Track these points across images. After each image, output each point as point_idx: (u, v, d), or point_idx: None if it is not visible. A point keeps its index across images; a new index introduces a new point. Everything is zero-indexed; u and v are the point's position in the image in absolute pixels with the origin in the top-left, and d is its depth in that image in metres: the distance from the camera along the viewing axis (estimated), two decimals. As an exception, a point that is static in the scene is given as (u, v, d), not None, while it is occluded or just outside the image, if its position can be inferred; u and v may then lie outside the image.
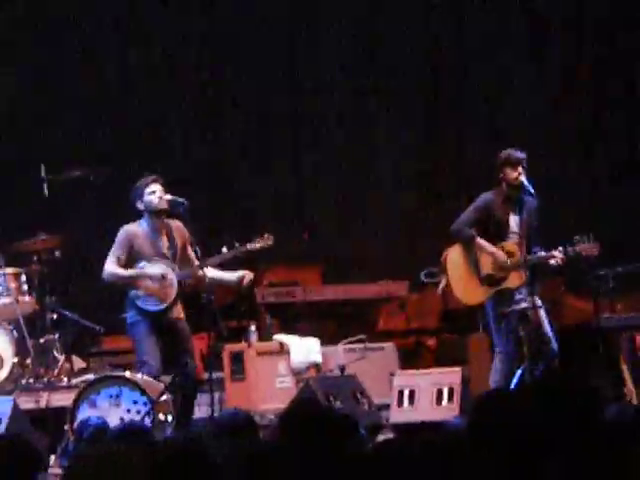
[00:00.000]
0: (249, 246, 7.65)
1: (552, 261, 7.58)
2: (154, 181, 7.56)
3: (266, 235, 7.74)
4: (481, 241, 7.65)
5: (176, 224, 7.65)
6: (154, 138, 10.78)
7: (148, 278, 7.51)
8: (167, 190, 7.58)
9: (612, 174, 10.86)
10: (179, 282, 7.55)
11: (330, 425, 4.11)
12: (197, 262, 7.55)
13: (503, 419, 3.18)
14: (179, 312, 7.63)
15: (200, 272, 7.46)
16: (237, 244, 7.60)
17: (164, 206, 7.54)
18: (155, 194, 7.53)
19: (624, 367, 7.99)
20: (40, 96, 10.49)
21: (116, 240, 7.59)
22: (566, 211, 10.15)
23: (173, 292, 7.53)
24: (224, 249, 7.57)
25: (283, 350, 8.74)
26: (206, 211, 10.35)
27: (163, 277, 7.50)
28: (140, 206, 7.57)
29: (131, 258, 7.55)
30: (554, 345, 7.58)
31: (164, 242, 7.61)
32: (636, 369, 7.95)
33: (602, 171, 11.02)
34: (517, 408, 3.22)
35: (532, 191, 7.62)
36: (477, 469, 3.08)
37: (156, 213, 7.54)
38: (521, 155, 7.68)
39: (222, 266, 7.70)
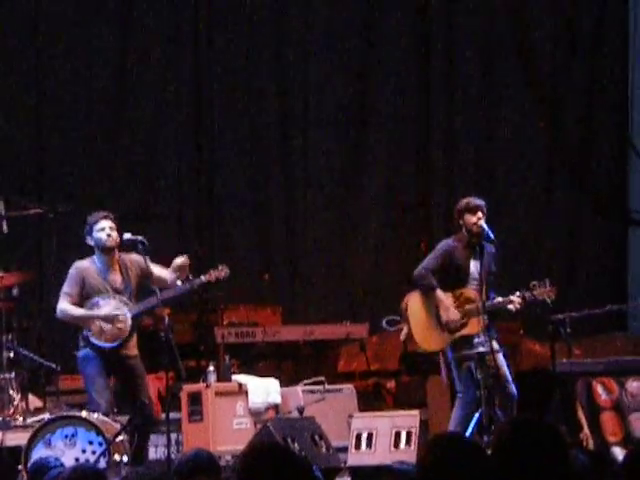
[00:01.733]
0: (203, 278, 7.64)
1: (510, 306, 7.66)
2: (104, 218, 7.55)
3: (220, 266, 7.73)
4: (440, 295, 7.72)
5: (131, 257, 7.63)
6: (115, 174, 10.76)
7: (100, 319, 7.48)
8: (121, 229, 7.56)
9: (575, 218, 11.02)
10: (133, 317, 7.50)
11: (287, 467, 4.10)
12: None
13: (450, 463, 3.19)
14: (133, 349, 7.59)
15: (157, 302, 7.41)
16: (191, 276, 7.57)
17: (112, 244, 7.52)
18: (104, 231, 7.51)
19: (580, 413, 8.03)
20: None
21: (68, 276, 7.57)
22: (524, 256, 10.26)
23: (126, 329, 7.50)
24: (178, 282, 7.54)
25: (241, 391, 8.69)
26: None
27: (115, 318, 7.46)
28: (90, 242, 7.56)
29: (84, 294, 7.52)
30: (512, 389, 7.63)
31: (117, 277, 7.58)
32: (592, 414, 7.99)
33: (562, 216, 11.16)
34: (465, 453, 3.23)
35: (492, 237, 7.69)
36: None
37: (105, 250, 7.53)
38: (480, 202, 7.78)
39: (177, 301, 7.65)
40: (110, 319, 7.45)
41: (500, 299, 7.70)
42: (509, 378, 7.64)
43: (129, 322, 7.49)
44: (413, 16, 11.20)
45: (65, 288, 7.53)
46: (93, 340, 7.47)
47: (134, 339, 7.58)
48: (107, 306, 7.49)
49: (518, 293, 7.65)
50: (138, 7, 10.77)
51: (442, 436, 3.43)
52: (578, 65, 11.25)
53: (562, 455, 3.25)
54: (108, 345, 7.47)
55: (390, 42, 11.14)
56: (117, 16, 10.73)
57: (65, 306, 7.49)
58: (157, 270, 7.59)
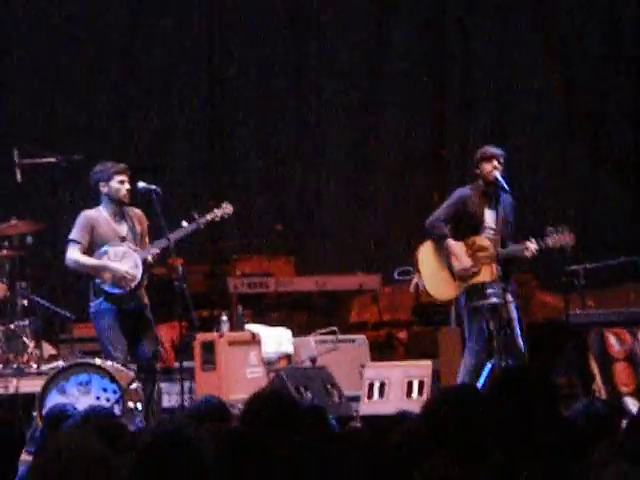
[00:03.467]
0: (209, 216, 7.62)
1: (526, 253, 7.60)
2: (124, 171, 7.52)
3: (224, 204, 7.72)
4: (451, 243, 7.69)
5: (135, 211, 7.63)
6: (127, 128, 10.74)
7: (110, 270, 7.48)
8: (136, 178, 7.55)
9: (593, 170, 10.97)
10: (143, 262, 7.51)
11: (298, 414, 4.12)
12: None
13: (454, 414, 3.21)
14: (144, 298, 7.59)
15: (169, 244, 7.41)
16: (196, 215, 7.56)
17: (126, 199, 7.51)
18: (124, 185, 7.49)
19: (593, 363, 8.04)
20: (13, 75, 10.45)
21: (76, 225, 7.51)
22: (538, 208, 10.22)
23: (138, 273, 7.49)
24: (184, 222, 7.54)
25: (254, 340, 8.73)
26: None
27: (126, 273, 7.45)
28: (104, 189, 7.51)
29: (93, 242, 7.50)
30: (520, 342, 7.60)
31: (124, 227, 7.57)
32: (605, 365, 8.00)
33: (582, 167, 11.11)
34: (470, 403, 3.25)
35: (506, 187, 7.65)
36: (433, 461, 3.12)
37: (118, 202, 7.51)
38: (497, 151, 7.72)
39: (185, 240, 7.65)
40: (119, 274, 7.45)
41: (515, 246, 7.66)
42: (518, 332, 7.63)
43: (140, 268, 7.49)
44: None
45: (73, 235, 7.48)
46: (106, 288, 7.47)
47: (143, 288, 7.58)
48: (117, 253, 7.48)
49: (533, 239, 7.60)
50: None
51: (445, 389, 3.45)
52: (595, 26, 11.11)
53: (551, 400, 3.26)
54: (121, 291, 7.48)
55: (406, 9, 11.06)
56: None
57: (76, 255, 7.47)
58: (146, 239, 7.61)
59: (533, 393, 3.25)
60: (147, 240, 7.62)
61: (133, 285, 7.48)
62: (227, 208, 7.69)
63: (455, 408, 3.32)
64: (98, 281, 7.50)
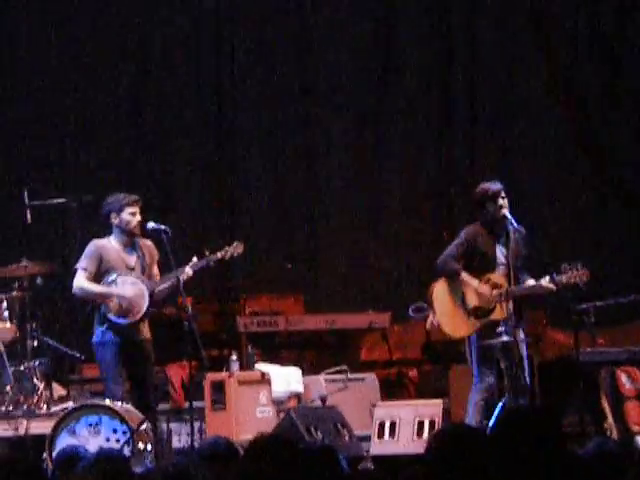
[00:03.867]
0: (219, 254, 7.63)
1: (540, 290, 7.55)
2: (137, 202, 7.57)
3: (235, 243, 7.73)
4: (465, 276, 7.66)
5: (145, 242, 7.66)
6: (141, 169, 10.79)
7: (116, 297, 7.48)
8: (146, 216, 7.58)
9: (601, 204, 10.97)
10: (150, 294, 7.50)
11: (310, 456, 4.11)
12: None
13: (456, 454, 3.20)
14: (147, 332, 7.59)
15: (182, 276, 7.40)
16: (207, 252, 7.57)
17: (137, 231, 7.54)
18: (135, 217, 7.53)
19: (604, 401, 8.00)
20: (22, 116, 10.52)
21: (85, 253, 7.56)
22: (546, 244, 10.21)
23: (144, 304, 7.50)
24: (194, 259, 7.55)
25: (264, 380, 8.71)
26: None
27: (133, 300, 7.46)
28: (115, 220, 7.55)
29: (101, 271, 7.53)
30: (527, 381, 7.55)
31: (133, 257, 7.60)
32: (616, 403, 7.96)
33: (586, 204, 11.11)
34: (473, 443, 3.23)
35: (515, 224, 7.63)
36: None
37: (129, 234, 7.54)
38: (498, 186, 7.69)
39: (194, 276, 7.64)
40: (126, 300, 7.45)
41: (531, 282, 7.62)
42: (527, 370, 7.59)
43: (147, 298, 7.49)
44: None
45: (82, 264, 7.51)
46: (111, 317, 7.48)
47: (146, 322, 7.57)
48: (125, 282, 7.49)
49: (548, 277, 7.56)
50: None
51: (447, 427, 3.43)
52: (599, 53, 11.17)
53: (558, 439, 3.24)
54: (126, 321, 7.47)
55: (411, 33, 11.13)
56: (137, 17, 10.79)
57: (82, 283, 7.49)
58: (155, 269, 7.62)
59: (539, 432, 3.23)
60: (157, 272, 7.63)
61: (139, 316, 7.49)
62: (238, 247, 7.71)
63: (457, 448, 3.30)
64: (103, 310, 7.50)
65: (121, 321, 7.47)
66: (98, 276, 7.51)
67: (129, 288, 7.49)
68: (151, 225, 7.57)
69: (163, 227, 7.55)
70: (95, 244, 7.55)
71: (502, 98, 11.11)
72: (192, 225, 10.72)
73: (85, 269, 7.49)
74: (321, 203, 11.10)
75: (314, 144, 11.16)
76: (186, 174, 10.92)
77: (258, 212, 11.04)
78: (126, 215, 7.52)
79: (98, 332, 7.52)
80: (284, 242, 11.01)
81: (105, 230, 7.68)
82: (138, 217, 7.52)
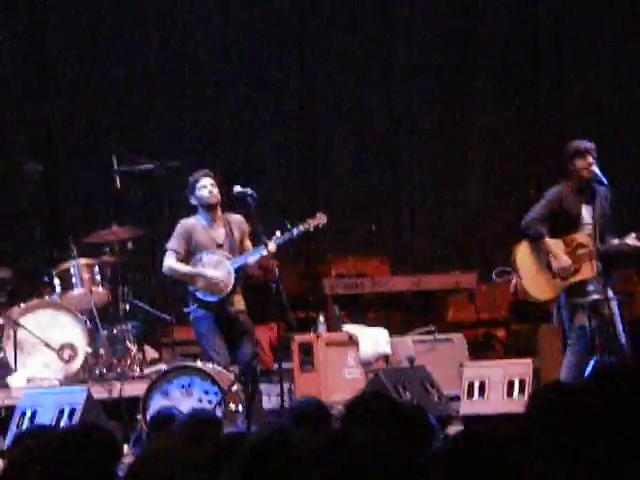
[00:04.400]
0: (302, 227, 7.63)
1: (626, 248, 7.47)
2: (205, 175, 7.61)
3: (318, 214, 7.72)
4: (549, 242, 7.60)
5: (235, 217, 7.70)
6: (220, 133, 10.84)
7: (202, 277, 7.57)
8: (230, 183, 7.62)
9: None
10: (237, 270, 7.58)
11: (400, 416, 4.11)
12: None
13: (560, 411, 3.17)
14: (239, 303, 7.67)
15: (264, 253, 7.44)
16: (289, 226, 7.59)
17: (214, 201, 7.59)
18: (206, 188, 7.58)
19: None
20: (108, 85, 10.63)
21: (174, 234, 7.67)
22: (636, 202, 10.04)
23: (230, 282, 7.57)
24: (278, 232, 7.56)
25: (352, 341, 8.74)
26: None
27: (219, 280, 7.54)
28: (193, 201, 7.66)
29: (190, 250, 7.63)
30: (622, 339, 7.47)
31: (220, 233, 7.65)
32: None
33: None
34: (575, 400, 3.20)
35: (605, 181, 7.52)
36: (537, 460, 3.08)
37: (208, 207, 7.60)
38: (590, 145, 7.59)
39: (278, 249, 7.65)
40: (212, 280, 7.55)
41: (615, 241, 7.53)
42: (620, 328, 7.49)
43: (232, 275, 7.57)
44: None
45: (171, 244, 7.63)
46: (199, 295, 7.59)
47: (239, 294, 7.66)
48: (210, 262, 7.58)
49: (634, 235, 7.47)
50: None
51: (548, 386, 3.39)
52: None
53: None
54: (214, 299, 7.57)
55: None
56: None
57: (172, 263, 7.61)
58: (247, 243, 7.66)
59: (630, 388, 3.19)
60: (249, 244, 7.69)
61: (225, 293, 7.58)
62: (321, 218, 7.70)
63: (560, 406, 3.27)
64: (192, 288, 7.62)
65: (209, 298, 7.58)
66: (188, 255, 7.62)
67: (214, 266, 7.57)
68: (237, 189, 7.61)
69: (249, 191, 7.58)
70: (183, 224, 7.65)
71: (589, 65, 10.90)
72: (278, 190, 10.76)
73: (174, 250, 7.61)
74: (404, 163, 11.05)
75: (395, 101, 11.09)
76: (271, 140, 10.94)
77: (342, 174, 11.03)
78: (198, 191, 7.59)
79: (192, 308, 7.66)
80: (369, 203, 10.99)
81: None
82: (210, 187, 7.56)
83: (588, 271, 7.53)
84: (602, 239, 7.56)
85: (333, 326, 9.07)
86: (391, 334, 8.94)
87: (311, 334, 8.83)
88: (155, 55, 10.71)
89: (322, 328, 8.86)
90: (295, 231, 7.59)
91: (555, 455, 3.12)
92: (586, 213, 7.61)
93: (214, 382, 7.25)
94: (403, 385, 7.99)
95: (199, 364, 7.39)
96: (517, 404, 7.53)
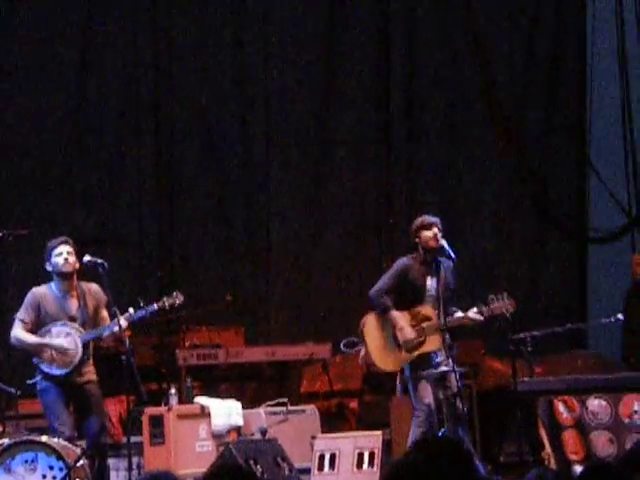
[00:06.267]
0: (156, 305, 7.58)
1: (469, 322, 7.68)
2: (62, 243, 7.52)
3: (175, 293, 7.68)
4: (394, 314, 7.74)
5: (90, 286, 7.60)
6: (74, 198, 10.69)
7: (49, 349, 7.44)
8: (82, 252, 7.52)
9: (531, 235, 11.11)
10: (85, 344, 7.46)
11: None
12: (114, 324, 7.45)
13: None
14: (88, 375, 7.54)
15: (116, 329, 7.36)
16: (141, 303, 7.52)
17: (69, 269, 7.48)
18: (62, 256, 7.48)
19: (542, 431, 8.06)
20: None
21: (24, 303, 7.55)
22: (484, 275, 10.31)
23: (77, 356, 7.46)
24: (130, 310, 7.49)
25: (204, 413, 8.66)
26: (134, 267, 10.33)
27: (65, 350, 7.42)
28: (48, 268, 7.55)
29: (39, 321, 7.50)
30: (463, 409, 7.59)
31: (73, 304, 7.54)
32: (554, 433, 8.03)
33: (522, 235, 11.24)
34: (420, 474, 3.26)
35: (452, 255, 7.71)
36: None
37: (63, 275, 7.49)
38: (434, 219, 7.85)
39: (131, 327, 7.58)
40: (61, 351, 7.41)
41: (459, 314, 7.72)
42: (461, 399, 7.63)
43: (80, 349, 7.45)
44: (375, 33, 11.29)
45: (20, 314, 7.52)
46: (43, 368, 7.45)
47: (90, 365, 7.53)
48: (59, 334, 7.45)
49: (476, 309, 7.69)
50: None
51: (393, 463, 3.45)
52: (536, 86, 11.37)
53: (461, 468, 3.27)
54: (60, 372, 7.44)
55: (351, 64, 11.21)
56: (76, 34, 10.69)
57: (19, 333, 7.49)
58: (103, 313, 7.57)
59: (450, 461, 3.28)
60: (105, 314, 7.56)
61: (73, 365, 7.44)
62: (178, 297, 7.65)
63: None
64: (36, 360, 7.47)
65: (54, 372, 7.46)
66: (38, 325, 7.49)
67: (63, 339, 7.45)
68: (87, 258, 7.51)
69: (99, 260, 7.49)
70: (33, 293, 7.53)
71: (443, 137, 11.23)
72: (132, 258, 10.64)
73: (22, 320, 7.49)
74: (261, 236, 11.10)
75: (256, 174, 11.16)
76: (126, 208, 10.84)
77: (198, 244, 11.00)
78: (54, 258, 7.49)
79: (37, 379, 7.51)
80: (224, 274, 10.97)
81: (40, 266, 7.61)
82: (66, 255, 7.45)
83: (434, 343, 7.68)
84: (446, 311, 7.74)
85: (185, 398, 8.96)
86: (245, 405, 8.89)
87: (162, 406, 8.70)
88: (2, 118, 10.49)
89: (174, 400, 8.75)
90: (150, 309, 7.52)
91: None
92: (431, 285, 7.79)
93: (59, 457, 7.08)
94: (254, 458, 7.95)
95: (44, 438, 7.20)
96: (366, 476, 7.57)
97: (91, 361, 7.55)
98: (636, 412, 7.91)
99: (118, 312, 7.40)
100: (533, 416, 8.10)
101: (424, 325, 7.70)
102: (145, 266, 10.69)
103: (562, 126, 11.31)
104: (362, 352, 7.90)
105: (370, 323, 7.83)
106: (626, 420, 7.94)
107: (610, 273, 10.76)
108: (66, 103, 10.56)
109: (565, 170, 11.36)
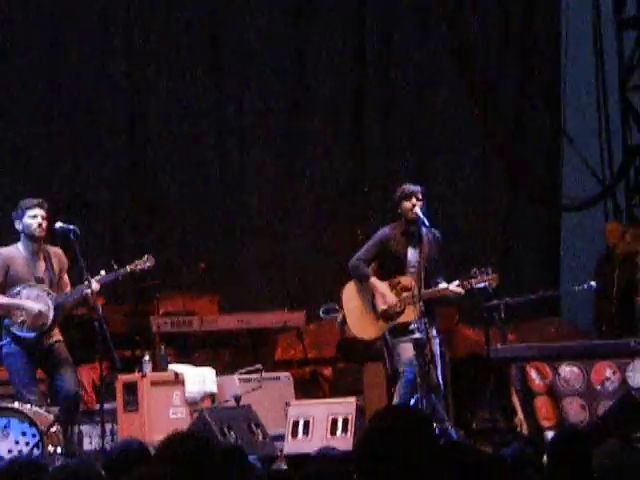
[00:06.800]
0: (128, 268, 7.54)
1: (449, 294, 7.66)
2: (38, 205, 7.43)
3: (145, 256, 7.64)
4: (375, 281, 7.73)
5: (54, 250, 7.54)
6: (49, 162, 10.62)
7: (21, 310, 7.38)
8: (54, 216, 7.47)
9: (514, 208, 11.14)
10: (56, 307, 7.41)
11: (217, 455, 4.09)
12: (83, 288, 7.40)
13: (383, 446, 3.22)
14: (56, 335, 7.48)
15: (88, 291, 7.32)
16: (115, 266, 7.48)
17: (42, 234, 7.42)
18: (36, 219, 7.40)
19: (514, 398, 8.11)
20: None
21: None
22: (459, 244, 10.33)
23: (48, 319, 7.41)
24: (102, 272, 7.45)
25: (178, 380, 8.65)
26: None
27: (39, 312, 7.36)
28: (18, 227, 7.45)
29: (7, 282, 7.41)
30: (439, 379, 7.61)
31: (41, 266, 7.47)
32: (526, 399, 8.07)
33: (496, 203, 11.26)
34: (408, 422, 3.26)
35: (427, 223, 7.70)
36: None
37: (33, 238, 7.42)
38: (416, 188, 7.78)
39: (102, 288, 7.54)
40: (34, 313, 7.36)
41: (442, 285, 7.70)
42: (439, 368, 7.65)
43: (51, 312, 7.39)
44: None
45: None
46: (14, 330, 7.38)
47: (56, 327, 7.48)
48: (30, 295, 7.39)
49: (457, 282, 7.66)
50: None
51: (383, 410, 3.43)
52: (510, 54, 11.35)
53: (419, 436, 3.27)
54: (31, 335, 7.38)
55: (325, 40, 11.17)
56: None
57: None
58: (65, 278, 7.52)
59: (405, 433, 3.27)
60: (67, 280, 7.52)
61: (45, 328, 7.39)
62: (149, 260, 7.61)
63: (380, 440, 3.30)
64: (7, 322, 7.40)
65: (25, 334, 7.38)
66: (5, 287, 7.39)
67: (34, 301, 7.38)
68: (58, 225, 7.45)
69: (71, 227, 7.43)
70: (1, 254, 7.43)
71: (417, 108, 11.21)
72: (104, 225, 10.60)
73: None
74: (236, 203, 11.06)
75: (229, 140, 11.12)
76: (100, 172, 10.78)
77: (172, 211, 10.96)
78: (27, 219, 7.39)
79: (5, 342, 7.41)
80: (198, 242, 10.95)
81: (9, 226, 7.55)
82: (40, 220, 7.37)
83: (411, 314, 7.68)
84: (428, 282, 7.72)
85: (159, 365, 8.95)
86: (219, 373, 8.89)
87: (136, 373, 8.69)
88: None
89: (147, 367, 8.73)
90: (121, 271, 7.48)
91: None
92: (412, 256, 7.77)
93: (32, 423, 7.06)
94: (228, 425, 7.96)
95: (16, 405, 7.17)
96: (340, 442, 7.59)
97: (56, 324, 7.50)
98: (608, 379, 7.96)
99: (89, 275, 7.35)
100: (506, 383, 8.14)
101: (403, 295, 7.70)
102: (117, 233, 10.64)
103: (536, 94, 11.31)
104: (339, 318, 7.91)
105: (349, 291, 7.83)
106: (598, 387, 7.99)
107: (583, 241, 10.81)
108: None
109: (539, 138, 11.37)
